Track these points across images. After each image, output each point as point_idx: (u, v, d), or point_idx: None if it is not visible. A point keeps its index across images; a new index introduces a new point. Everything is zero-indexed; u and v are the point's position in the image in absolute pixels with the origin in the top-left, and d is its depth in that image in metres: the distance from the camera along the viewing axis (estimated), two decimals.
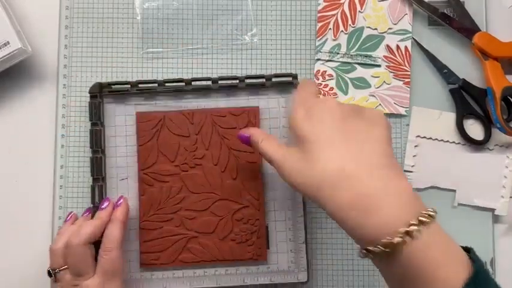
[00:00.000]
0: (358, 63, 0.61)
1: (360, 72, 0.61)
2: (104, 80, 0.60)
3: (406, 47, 0.61)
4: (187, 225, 0.55)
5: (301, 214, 0.56)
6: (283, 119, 0.57)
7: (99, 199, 0.55)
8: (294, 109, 0.45)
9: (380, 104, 0.60)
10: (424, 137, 0.60)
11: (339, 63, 0.61)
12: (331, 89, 0.60)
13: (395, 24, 0.61)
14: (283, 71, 0.60)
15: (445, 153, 0.60)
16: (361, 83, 0.60)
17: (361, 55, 0.61)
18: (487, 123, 0.59)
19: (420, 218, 0.37)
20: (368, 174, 0.39)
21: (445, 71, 0.60)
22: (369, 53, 0.61)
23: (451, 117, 0.60)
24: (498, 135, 0.59)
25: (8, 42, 0.56)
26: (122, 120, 0.57)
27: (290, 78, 0.57)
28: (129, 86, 0.57)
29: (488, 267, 0.58)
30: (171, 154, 0.56)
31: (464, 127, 0.59)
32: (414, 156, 0.60)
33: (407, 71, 0.60)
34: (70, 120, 0.59)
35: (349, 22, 0.61)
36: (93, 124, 0.56)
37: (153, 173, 0.56)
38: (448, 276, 0.36)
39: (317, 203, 0.40)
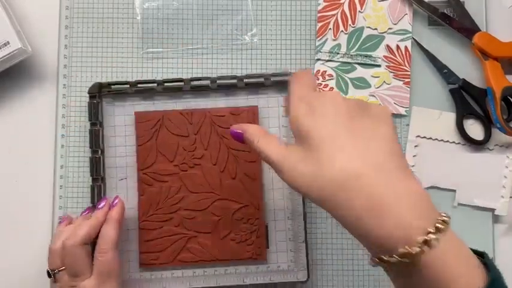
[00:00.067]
0: (358, 63, 0.61)
1: (360, 72, 0.61)
2: (104, 80, 0.60)
3: (406, 47, 0.61)
4: (186, 225, 0.55)
5: (301, 213, 0.56)
6: (282, 118, 0.57)
7: (98, 199, 0.55)
8: (294, 105, 0.41)
9: (380, 104, 0.60)
10: (424, 137, 0.60)
11: (339, 63, 0.61)
12: (331, 89, 0.60)
13: (395, 24, 0.61)
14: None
15: (445, 153, 0.60)
16: (361, 83, 0.60)
17: (361, 55, 0.61)
18: (487, 123, 0.59)
19: (437, 225, 0.34)
20: (378, 175, 0.36)
21: (445, 71, 0.60)
22: (369, 53, 0.61)
23: (451, 117, 0.60)
24: (498, 135, 0.59)
25: (8, 42, 0.56)
26: (121, 120, 0.57)
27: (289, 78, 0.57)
28: (128, 86, 0.57)
29: None
30: (170, 154, 0.56)
31: (464, 127, 0.59)
32: (414, 156, 0.60)
33: (407, 71, 0.60)
34: (70, 120, 0.59)
35: (349, 22, 0.61)
36: (92, 124, 0.56)
37: (152, 173, 0.56)
38: (467, 285, 0.34)
39: (323, 206, 0.37)
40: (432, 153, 0.60)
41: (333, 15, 0.61)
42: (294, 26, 0.61)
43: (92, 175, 0.56)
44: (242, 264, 0.56)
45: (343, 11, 0.61)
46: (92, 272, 0.50)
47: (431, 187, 0.59)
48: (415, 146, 0.60)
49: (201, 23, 0.61)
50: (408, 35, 0.61)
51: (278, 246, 0.56)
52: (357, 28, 0.61)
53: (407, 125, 0.60)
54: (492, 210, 0.59)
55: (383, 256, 0.35)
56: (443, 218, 0.35)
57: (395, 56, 0.60)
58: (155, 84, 0.57)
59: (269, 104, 0.57)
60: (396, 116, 0.60)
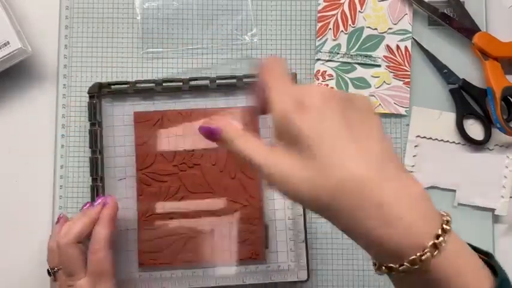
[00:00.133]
0: (358, 63, 0.61)
1: (360, 72, 0.61)
2: (104, 80, 0.60)
3: (406, 47, 0.60)
4: (185, 225, 0.55)
5: (301, 213, 0.56)
6: None
7: None
8: (278, 101, 0.35)
9: (380, 104, 0.60)
10: (424, 137, 0.60)
11: (339, 63, 0.61)
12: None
13: (395, 24, 0.61)
14: None
15: (445, 153, 0.60)
16: (361, 83, 0.60)
17: (361, 55, 0.61)
18: (487, 123, 0.59)
19: (444, 227, 0.32)
20: (383, 179, 0.32)
21: (445, 71, 0.60)
22: (369, 53, 0.61)
23: (451, 117, 0.60)
24: (498, 135, 0.59)
25: (8, 42, 0.56)
26: (120, 120, 0.57)
27: None
28: (128, 86, 0.57)
29: None
30: (169, 154, 0.56)
31: (464, 127, 0.59)
32: (414, 156, 0.60)
33: (407, 71, 0.60)
34: (70, 120, 0.59)
35: (349, 22, 0.61)
36: (91, 124, 0.56)
37: (151, 173, 0.56)
38: (476, 283, 0.33)
39: (323, 215, 0.34)
40: (432, 153, 0.60)
41: (333, 15, 0.61)
42: (294, 26, 0.61)
43: (91, 175, 0.56)
44: (242, 264, 0.56)
45: (343, 11, 0.61)
46: (86, 271, 0.50)
47: (431, 187, 0.59)
48: (415, 146, 0.60)
49: (201, 23, 0.61)
50: (408, 35, 0.61)
51: (278, 246, 0.56)
52: (357, 28, 0.61)
53: (407, 125, 0.60)
54: (492, 210, 0.59)
55: (392, 265, 0.33)
56: (447, 218, 0.34)
57: (395, 56, 0.60)
58: (154, 84, 0.57)
59: None
60: (396, 116, 0.60)
